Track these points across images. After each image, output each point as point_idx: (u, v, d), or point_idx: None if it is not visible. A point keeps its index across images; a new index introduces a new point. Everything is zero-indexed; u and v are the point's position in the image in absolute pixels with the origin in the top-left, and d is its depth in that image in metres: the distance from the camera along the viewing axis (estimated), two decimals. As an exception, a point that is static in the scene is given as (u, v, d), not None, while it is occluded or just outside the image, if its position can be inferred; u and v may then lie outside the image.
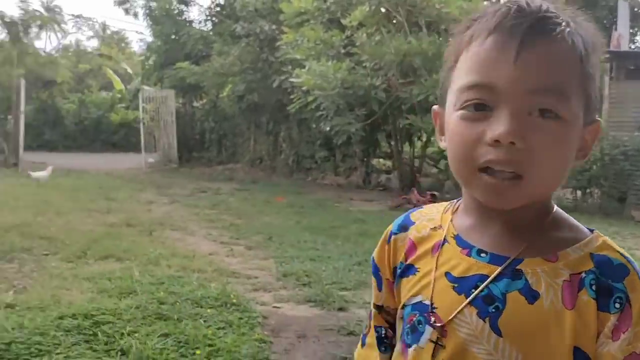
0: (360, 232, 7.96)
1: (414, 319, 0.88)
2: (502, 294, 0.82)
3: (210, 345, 3.54)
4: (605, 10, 14.64)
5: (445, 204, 0.98)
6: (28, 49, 17.23)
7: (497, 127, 0.76)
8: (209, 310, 4.19)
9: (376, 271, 0.99)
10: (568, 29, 0.78)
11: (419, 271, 0.90)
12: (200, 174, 16.34)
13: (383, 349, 0.98)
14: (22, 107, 15.16)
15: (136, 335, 3.61)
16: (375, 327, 0.99)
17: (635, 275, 0.80)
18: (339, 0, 10.26)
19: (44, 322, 3.70)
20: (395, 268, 0.95)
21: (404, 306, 0.91)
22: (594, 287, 0.80)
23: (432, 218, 0.96)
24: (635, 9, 16.59)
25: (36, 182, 11.62)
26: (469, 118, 0.80)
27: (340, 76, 9.53)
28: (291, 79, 10.65)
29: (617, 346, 0.78)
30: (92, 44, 34.60)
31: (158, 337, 3.60)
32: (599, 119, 0.86)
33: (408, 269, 0.92)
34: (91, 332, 3.62)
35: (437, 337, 0.84)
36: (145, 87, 18.90)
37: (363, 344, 1.02)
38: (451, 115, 0.83)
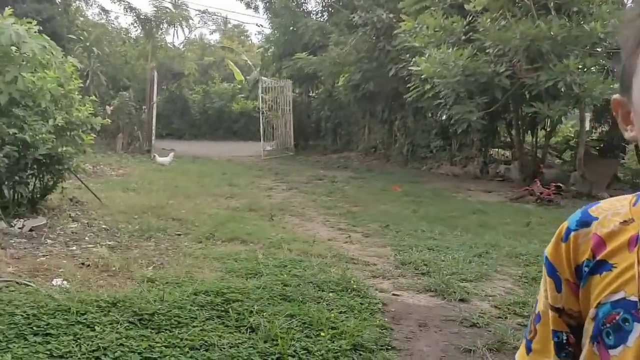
0: (480, 223, 7.75)
1: (617, 317, 0.83)
2: None
3: (333, 328, 3.63)
4: None
5: (628, 196, 0.93)
6: (160, 43, 18.47)
7: None
8: (330, 294, 4.29)
9: (553, 271, 0.94)
10: None
11: (615, 267, 0.86)
12: (315, 161, 16.70)
13: (564, 355, 0.92)
14: (155, 98, 16.30)
15: (264, 314, 3.78)
16: (554, 332, 0.93)
17: None
18: (460, -17, 9.96)
19: (181, 296, 3.99)
20: (578, 267, 0.90)
21: (598, 305, 0.86)
22: None
23: (618, 212, 0.90)
24: None
25: (161, 166, 12.58)
26: None
27: (462, 63, 9.26)
28: (410, 67, 10.53)
29: None
30: (215, 38, 36.40)
31: (284, 317, 3.75)
32: None
33: (600, 266, 0.88)
34: (223, 309, 3.85)
35: None
36: (264, 78, 19.57)
37: (528, 351, 0.96)
38: None
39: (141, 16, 17.35)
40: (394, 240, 6.59)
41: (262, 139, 18.11)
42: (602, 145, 13.99)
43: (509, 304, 4.38)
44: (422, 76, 9.87)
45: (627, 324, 0.82)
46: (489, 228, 7.47)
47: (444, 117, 11.05)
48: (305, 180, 12.18)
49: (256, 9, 21.73)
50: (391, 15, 13.60)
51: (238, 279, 4.61)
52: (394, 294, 4.62)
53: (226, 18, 35.32)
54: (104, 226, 6.53)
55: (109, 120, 8.74)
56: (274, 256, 5.42)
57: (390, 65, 13.92)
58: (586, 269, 0.89)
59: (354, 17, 14.64)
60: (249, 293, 4.17)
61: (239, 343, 3.34)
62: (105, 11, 21.28)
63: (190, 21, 20.20)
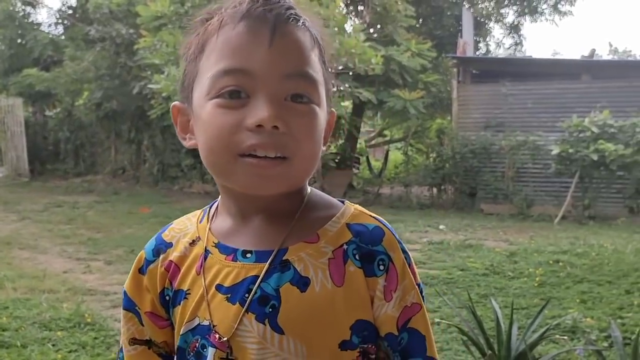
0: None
1: (197, 344, 0.82)
2: (275, 290, 0.79)
3: (59, 371, 3.27)
4: (451, 19, 15.67)
5: (198, 212, 0.93)
6: None
7: (258, 112, 0.75)
8: (59, 333, 3.88)
9: (132, 306, 0.90)
10: (308, 22, 0.81)
11: (189, 293, 0.84)
12: (55, 187, 15.20)
13: None
14: None
15: (-29, 368, 3.24)
16: None
17: (391, 235, 0.82)
18: (197, 4, 10.01)
19: None
20: (161, 297, 0.88)
21: (181, 335, 0.84)
22: (357, 256, 0.81)
23: (188, 232, 0.90)
24: (479, 18, 18.03)
25: None
26: (226, 106, 0.77)
27: (202, 82, 9.27)
28: (150, 85, 10.24)
29: (391, 305, 0.80)
30: None
31: (-3, 368, 3.26)
32: (333, 109, 0.88)
33: (177, 295, 0.86)
34: None
35: (227, 355, 0.79)
36: (-12, 96, 17.24)
37: None
38: (204, 105, 0.79)
39: None
40: (138, 264, 6.26)
41: (-13, 164, 15.88)
42: (338, 158, 15.40)
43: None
44: (164, 94, 9.67)
45: (205, 350, 0.81)
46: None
47: (191, 135, 10.94)
48: (41, 208, 10.98)
49: (-26, 17, 19.07)
50: (131, 31, 13.11)
51: (-60, 332, 3.88)
52: (134, 322, 4.35)
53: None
54: None
55: None
56: (-7, 299, 4.72)
57: (134, 83, 13.36)
58: (167, 298, 0.87)
59: (90, 31, 13.76)
60: (-47, 347, 3.54)
61: None
62: None
63: None
